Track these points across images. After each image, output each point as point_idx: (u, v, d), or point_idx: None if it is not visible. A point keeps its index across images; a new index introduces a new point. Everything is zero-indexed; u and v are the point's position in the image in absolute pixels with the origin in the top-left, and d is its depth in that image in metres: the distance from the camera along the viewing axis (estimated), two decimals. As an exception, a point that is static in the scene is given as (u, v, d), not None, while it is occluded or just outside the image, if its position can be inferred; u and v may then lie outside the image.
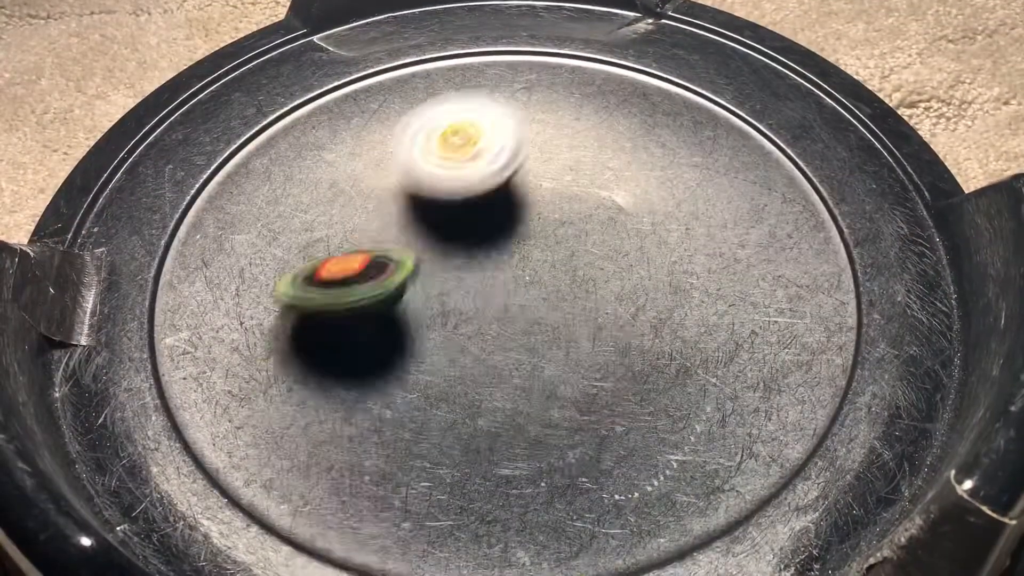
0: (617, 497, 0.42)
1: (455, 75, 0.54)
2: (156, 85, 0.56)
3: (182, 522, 0.41)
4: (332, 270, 0.44)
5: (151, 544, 0.41)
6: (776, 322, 0.46)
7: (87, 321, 0.46)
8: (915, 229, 0.48)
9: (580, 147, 0.51)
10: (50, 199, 0.51)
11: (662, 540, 0.41)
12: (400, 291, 0.44)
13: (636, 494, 0.42)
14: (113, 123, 0.54)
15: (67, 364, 0.45)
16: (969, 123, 0.58)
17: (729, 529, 0.41)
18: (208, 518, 0.41)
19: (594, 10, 0.57)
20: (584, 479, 0.42)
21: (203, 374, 0.45)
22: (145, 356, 0.45)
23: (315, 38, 0.56)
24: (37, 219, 0.51)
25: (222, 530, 0.41)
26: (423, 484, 0.42)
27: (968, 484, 0.35)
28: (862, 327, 0.45)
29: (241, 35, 0.59)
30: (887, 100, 0.55)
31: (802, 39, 0.58)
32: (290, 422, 0.44)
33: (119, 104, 0.59)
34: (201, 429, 0.44)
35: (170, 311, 0.47)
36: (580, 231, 0.48)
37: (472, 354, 0.45)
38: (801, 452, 0.42)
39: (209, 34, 0.62)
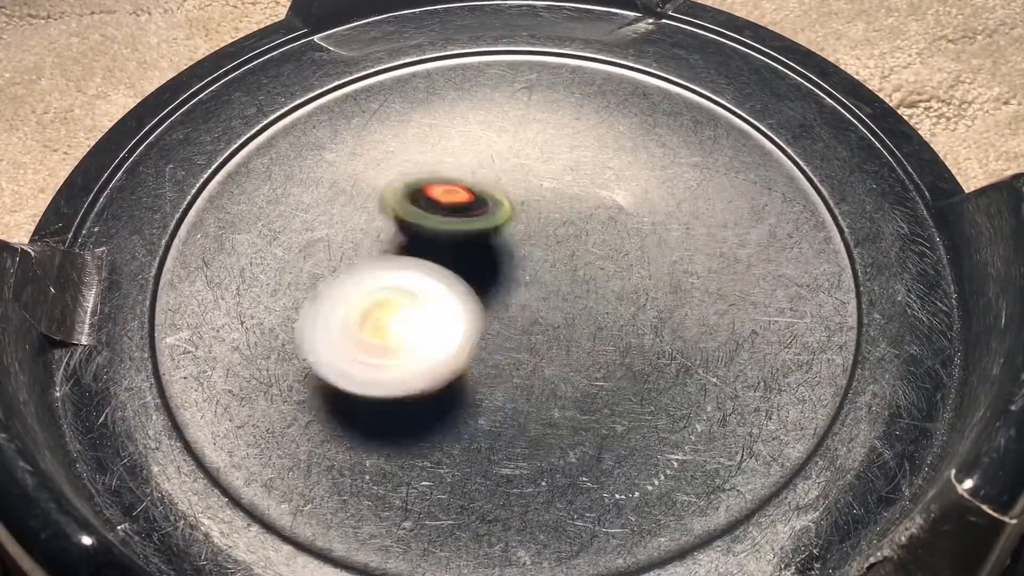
0: (618, 496, 0.42)
1: (455, 75, 0.54)
2: (156, 85, 0.56)
3: (183, 521, 0.41)
4: (442, 195, 0.45)
5: (152, 543, 0.41)
6: (776, 321, 0.46)
7: (88, 320, 0.46)
8: (915, 228, 0.48)
9: (580, 147, 0.51)
10: (50, 199, 0.52)
11: (663, 539, 0.41)
12: (502, 229, 0.46)
13: (636, 493, 0.42)
14: (113, 123, 0.54)
15: (68, 363, 0.45)
16: (969, 123, 0.58)
17: (730, 528, 0.41)
18: (209, 517, 0.41)
19: (594, 10, 0.57)
20: (585, 478, 0.42)
21: (204, 373, 0.45)
22: (146, 355, 0.45)
23: (316, 38, 0.56)
24: (37, 219, 0.51)
25: (223, 529, 0.41)
26: (424, 483, 0.42)
27: (968, 483, 0.35)
28: (862, 326, 0.45)
29: (241, 35, 0.59)
30: (887, 100, 0.55)
31: (802, 39, 0.58)
32: (291, 421, 0.44)
33: (119, 104, 0.59)
34: (202, 428, 0.44)
35: (171, 310, 0.47)
36: (580, 231, 0.48)
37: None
38: (801, 451, 0.42)
39: (209, 34, 0.62)
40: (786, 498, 0.41)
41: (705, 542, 0.41)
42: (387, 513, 0.41)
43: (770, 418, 0.43)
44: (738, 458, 0.42)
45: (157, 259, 0.48)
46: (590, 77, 0.54)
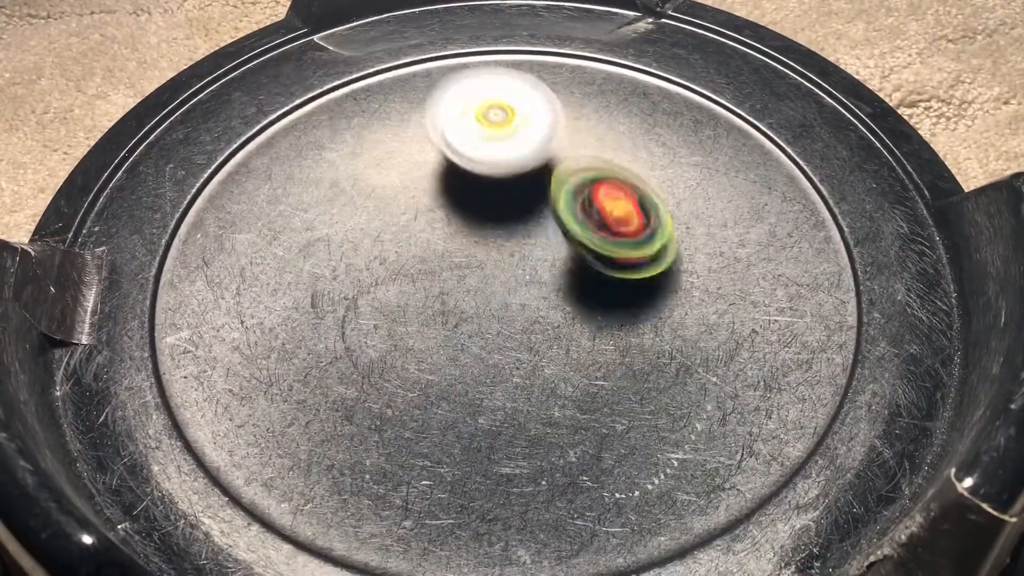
0: (618, 495, 0.42)
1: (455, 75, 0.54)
2: (156, 85, 0.56)
3: (183, 520, 0.41)
4: (616, 218, 0.45)
5: (152, 542, 0.41)
6: (776, 321, 0.46)
7: (88, 320, 0.46)
8: (915, 228, 0.48)
9: (580, 146, 0.51)
10: (50, 198, 0.52)
11: (663, 538, 0.41)
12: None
13: (636, 492, 0.42)
14: (113, 123, 0.54)
15: (68, 363, 0.45)
16: (969, 123, 0.58)
17: (730, 527, 0.41)
18: (209, 516, 0.41)
19: (594, 9, 0.57)
20: (585, 477, 0.42)
21: (204, 373, 0.45)
22: (146, 355, 0.45)
23: (315, 37, 0.56)
24: (37, 218, 0.51)
25: (223, 528, 0.41)
26: (424, 483, 0.42)
27: (968, 482, 0.35)
28: (862, 326, 0.45)
29: (241, 35, 0.59)
30: (887, 100, 0.55)
31: (802, 39, 0.58)
32: (291, 421, 0.44)
33: (119, 104, 0.59)
34: (202, 428, 0.44)
35: (171, 310, 0.47)
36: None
37: (472, 353, 0.45)
38: (801, 450, 0.42)
39: (209, 34, 0.62)
40: (786, 497, 0.41)
41: (705, 541, 0.41)
42: (387, 512, 0.41)
43: (770, 417, 0.43)
44: (738, 457, 0.42)
45: (157, 259, 0.48)
46: (590, 77, 0.54)
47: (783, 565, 0.40)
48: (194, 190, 0.50)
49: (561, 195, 0.46)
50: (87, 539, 0.35)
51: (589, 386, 0.44)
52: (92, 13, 0.64)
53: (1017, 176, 0.44)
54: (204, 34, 0.62)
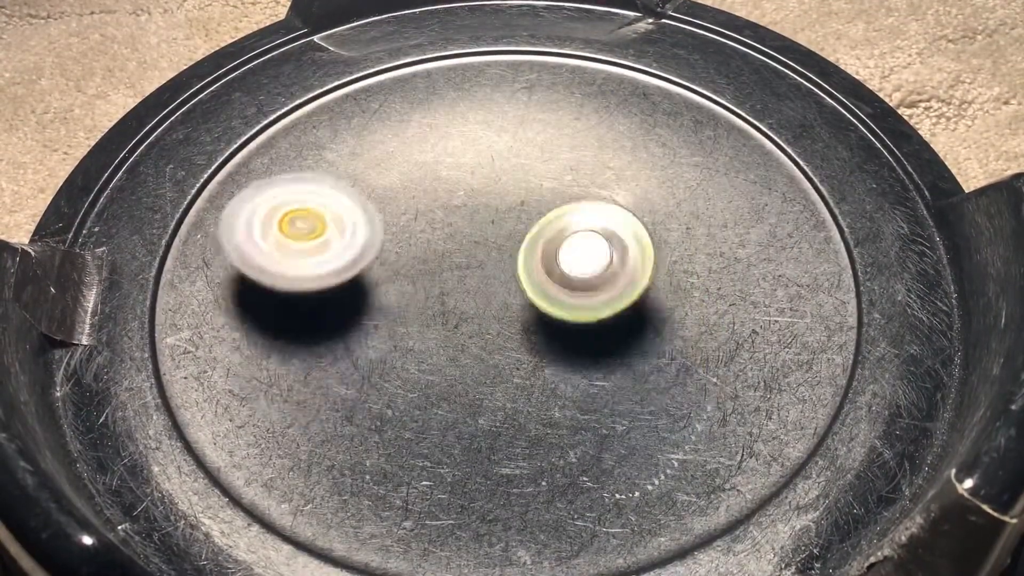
0: (618, 496, 0.42)
1: (455, 75, 0.54)
2: (156, 85, 0.56)
3: (183, 521, 0.41)
4: (575, 264, 0.44)
5: (152, 543, 0.41)
6: (777, 321, 0.46)
7: (88, 320, 0.46)
8: (915, 228, 0.48)
9: (580, 147, 0.51)
10: (50, 199, 0.52)
11: (663, 539, 0.41)
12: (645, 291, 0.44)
13: (637, 493, 0.42)
14: (113, 123, 0.54)
15: (68, 363, 0.45)
16: (969, 123, 0.58)
17: (730, 528, 0.41)
18: (209, 517, 0.41)
19: (594, 10, 0.57)
20: (585, 478, 0.42)
21: (204, 373, 0.45)
22: (146, 355, 0.45)
23: (316, 38, 0.56)
24: (37, 219, 0.51)
25: (223, 529, 0.41)
26: (424, 483, 0.42)
27: (969, 483, 0.35)
28: (862, 326, 0.45)
29: (241, 35, 0.59)
30: (887, 100, 0.55)
31: (802, 39, 0.58)
32: (291, 421, 0.44)
33: (119, 104, 0.59)
34: (202, 428, 0.44)
35: (171, 310, 0.47)
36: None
37: (473, 353, 0.45)
38: (802, 451, 0.43)
39: (209, 34, 0.62)
40: (786, 498, 0.41)
41: (705, 542, 0.41)
42: (387, 513, 0.42)
43: (770, 418, 0.43)
44: (738, 458, 0.42)
45: (157, 259, 0.48)
46: (590, 77, 0.54)
47: (783, 566, 0.40)
48: (194, 190, 0.50)
49: (523, 250, 0.45)
50: (87, 540, 0.35)
51: (589, 387, 0.44)
52: (92, 13, 0.64)
53: (1018, 177, 0.44)
54: (204, 34, 0.62)
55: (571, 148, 0.51)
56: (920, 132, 0.53)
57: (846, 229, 0.48)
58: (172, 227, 0.49)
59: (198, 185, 0.50)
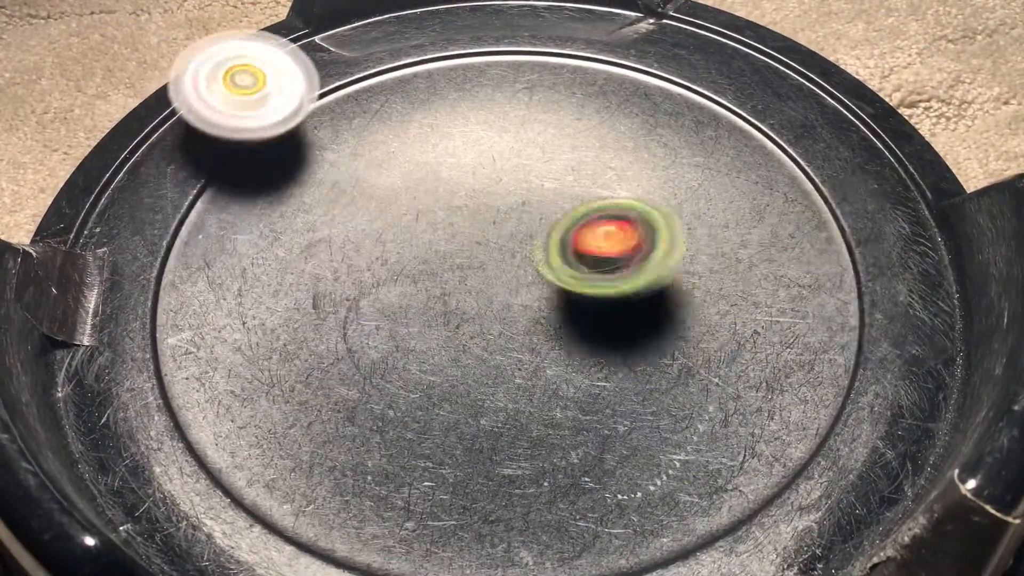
0: (620, 497, 0.42)
1: (456, 75, 0.54)
2: (156, 85, 0.56)
3: (185, 522, 0.41)
4: (598, 245, 0.44)
5: (154, 544, 0.41)
6: (778, 322, 0.46)
7: (89, 321, 0.46)
8: (917, 229, 0.48)
9: (582, 147, 0.51)
10: (50, 199, 0.51)
11: (665, 540, 0.41)
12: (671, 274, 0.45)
13: (639, 494, 0.42)
14: (113, 123, 0.54)
15: (70, 364, 0.45)
16: (969, 123, 0.58)
17: (732, 529, 0.41)
18: (211, 518, 0.41)
19: (596, 10, 0.57)
20: (587, 479, 0.42)
21: (205, 374, 0.45)
22: (147, 356, 0.45)
23: (317, 38, 0.56)
24: (37, 219, 0.51)
25: (225, 530, 0.41)
26: (426, 484, 0.42)
27: (971, 483, 0.35)
28: (864, 327, 0.45)
29: (242, 35, 0.59)
30: (887, 100, 0.55)
31: (802, 39, 0.58)
32: (293, 422, 0.44)
33: (119, 104, 0.59)
34: (204, 429, 0.44)
35: (172, 311, 0.47)
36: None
37: (474, 354, 0.45)
38: (804, 452, 0.43)
39: (209, 34, 0.62)
40: (789, 498, 0.41)
41: (708, 542, 0.41)
42: (389, 514, 0.41)
43: (772, 418, 0.43)
44: (740, 458, 0.42)
45: (159, 260, 0.48)
46: (591, 77, 0.54)
47: (786, 566, 0.40)
48: (195, 191, 0.50)
49: (550, 240, 0.46)
50: (89, 541, 0.35)
51: (591, 387, 0.44)
52: (92, 13, 0.63)
53: (1019, 177, 0.44)
54: (204, 34, 0.62)
55: (572, 148, 0.51)
56: (920, 132, 0.53)
57: (848, 229, 0.48)
58: (173, 228, 0.49)
59: (199, 185, 0.50)
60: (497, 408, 0.44)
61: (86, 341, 0.46)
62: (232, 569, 0.40)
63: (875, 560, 0.37)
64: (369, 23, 0.57)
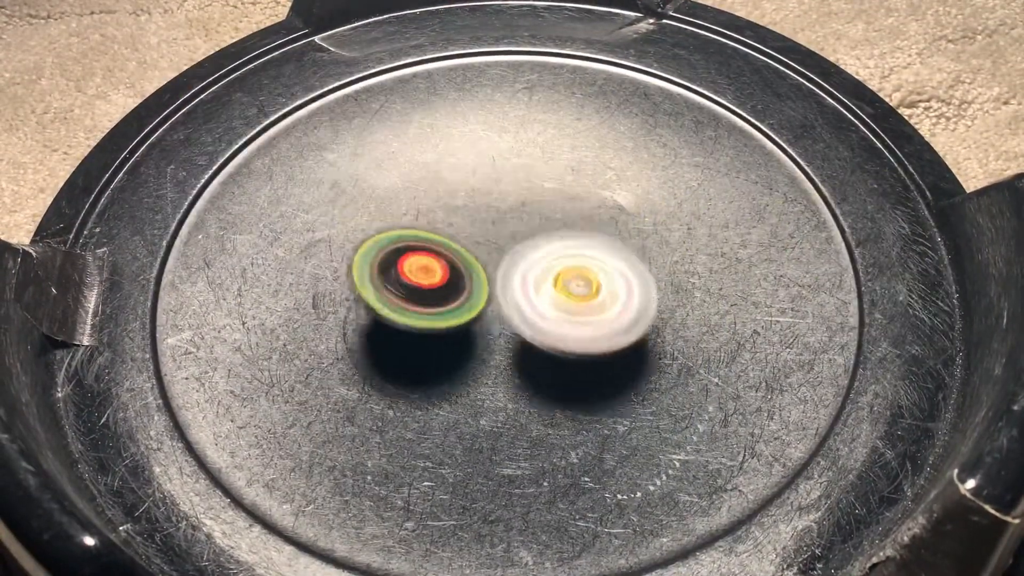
0: (620, 497, 0.42)
1: (456, 75, 0.54)
2: (156, 85, 0.56)
3: (185, 522, 0.41)
4: (415, 277, 0.43)
5: (154, 544, 0.41)
6: (778, 322, 0.46)
7: (89, 321, 0.46)
8: (917, 229, 0.48)
9: (581, 147, 0.51)
10: (50, 199, 0.52)
11: (665, 539, 0.41)
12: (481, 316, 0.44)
13: (638, 493, 0.42)
14: (113, 123, 0.54)
15: (69, 364, 0.45)
16: (969, 123, 0.58)
17: (732, 528, 0.41)
18: (211, 518, 0.41)
19: (595, 10, 0.57)
20: (586, 479, 0.42)
21: (205, 374, 0.45)
22: (147, 356, 0.45)
23: (316, 38, 0.56)
24: (37, 219, 0.51)
25: (225, 530, 0.41)
26: (425, 484, 0.42)
27: (971, 483, 0.35)
28: (864, 327, 0.45)
29: (242, 35, 0.59)
30: (887, 100, 0.55)
31: (802, 39, 0.58)
32: (292, 422, 0.44)
33: (119, 104, 0.59)
34: (203, 429, 0.44)
35: (172, 311, 0.47)
36: (582, 231, 0.48)
37: (474, 354, 0.45)
38: (803, 451, 0.43)
39: (209, 34, 0.62)
40: (788, 498, 0.41)
41: (707, 542, 0.41)
42: (389, 514, 0.41)
43: (772, 418, 0.43)
44: (740, 458, 0.42)
45: (158, 260, 0.48)
46: (591, 77, 0.54)
47: (785, 566, 0.40)
48: (195, 191, 0.50)
49: (357, 263, 0.44)
50: (89, 540, 0.35)
51: (591, 387, 0.44)
52: (92, 13, 0.63)
53: (1019, 177, 0.44)
54: (204, 34, 0.62)
55: (572, 148, 0.51)
56: (920, 132, 0.53)
57: (847, 229, 0.48)
58: (173, 228, 0.49)
59: (199, 185, 0.50)
60: (497, 408, 0.44)
61: (86, 341, 0.46)
62: (232, 569, 0.40)
63: (874, 560, 0.37)
64: (369, 23, 0.57)
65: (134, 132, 0.53)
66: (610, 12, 0.57)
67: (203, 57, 0.57)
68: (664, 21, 0.56)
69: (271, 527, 0.41)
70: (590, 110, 0.53)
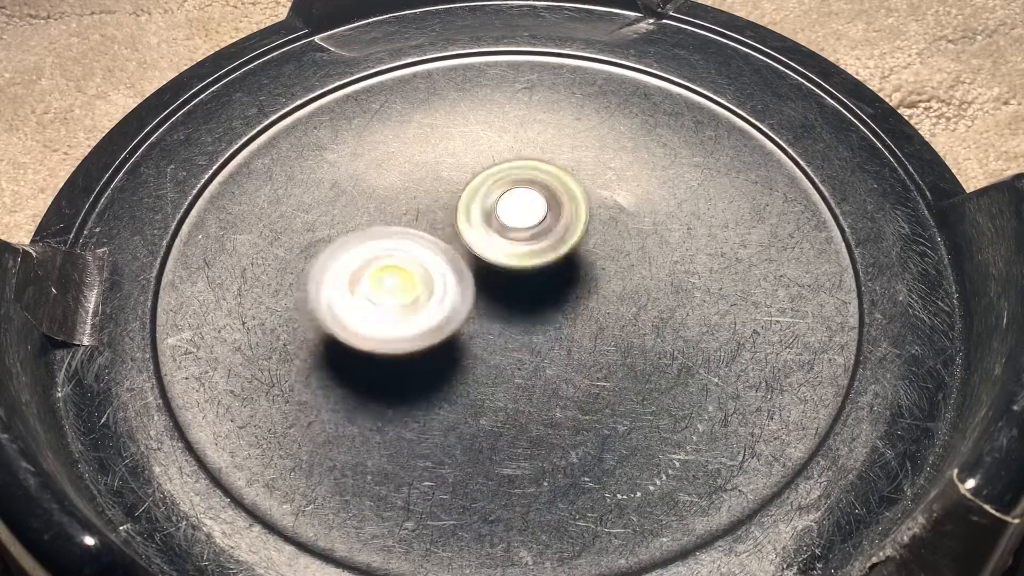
0: (619, 496, 0.42)
1: (456, 75, 0.54)
2: (156, 85, 0.56)
3: (185, 522, 0.41)
4: (513, 215, 0.45)
5: (154, 543, 0.41)
6: (778, 321, 0.46)
7: (89, 321, 0.46)
8: (917, 229, 0.48)
9: (581, 147, 0.51)
10: (50, 199, 0.52)
11: (664, 539, 0.41)
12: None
13: (638, 493, 0.42)
14: (113, 123, 0.54)
15: (69, 364, 0.45)
16: (969, 123, 0.58)
17: (731, 528, 0.41)
18: (211, 518, 0.41)
19: (595, 10, 0.57)
20: (586, 478, 0.42)
21: (205, 374, 0.45)
22: (147, 356, 0.45)
23: (316, 38, 0.56)
24: (37, 219, 0.51)
25: (225, 530, 0.41)
26: (425, 484, 0.42)
27: (971, 483, 0.35)
28: (864, 326, 0.45)
29: (242, 35, 0.59)
30: (887, 100, 0.55)
31: (802, 39, 0.58)
32: (292, 422, 0.44)
33: (119, 104, 0.59)
34: (203, 429, 0.44)
35: (172, 311, 0.47)
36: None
37: (474, 354, 0.45)
38: (803, 451, 0.43)
39: (209, 34, 0.62)
40: (788, 498, 0.41)
41: (707, 542, 0.41)
42: (389, 513, 0.42)
43: (772, 418, 0.43)
44: (740, 458, 0.42)
45: (158, 260, 0.48)
46: (591, 77, 0.54)
47: (785, 566, 0.40)
48: (195, 191, 0.50)
49: (462, 207, 0.45)
50: (89, 540, 0.35)
51: (591, 387, 0.44)
52: (92, 13, 0.63)
53: (1019, 177, 0.44)
54: (204, 34, 0.62)
55: (572, 148, 0.51)
56: (920, 132, 0.53)
57: (847, 229, 0.48)
58: (173, 228, 0.49)
59: (199, 185, 0.50)
60: (497, 408, 0.44)
61: (86, 341, 0.46)
62: (232, 569, 0.40)
63: (874, 560, 0.37)
64: (369, 23, 0.57)
65: (134, 132, 0.53)
66: (610, 12, 0.57)
67: (203, 57, 0.57)
68: (664, 21, 0.56)
69: (271, 527, 0.41)
70: (590, 110, 0.53)
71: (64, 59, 0.61)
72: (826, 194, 0.49)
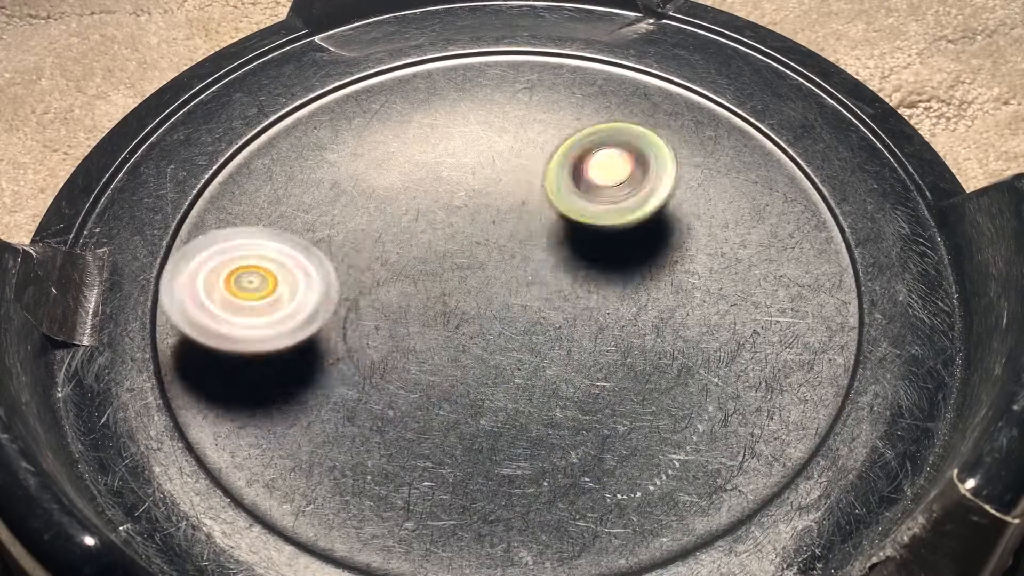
0: (619, 496, 0.42)
1: (456, 75, 0.54)
2: (156, 85, 0.56)
3: (185, 522, 0.41)
4: (600, 174, 0.46)
5: (154, 544, 0.41)
6: (778, 322, 0.46)
7: (89, 321, 0.46)
8: (916, 229, 0.48)
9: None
10: (50, 199, 0.52)
11: (664, 539, 0.41)
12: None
13: (638, 493, 0.42)
14: (113, 123, 0.54)
15: (69, 364, 0.45)
16: (969, 123, 0.58)
17: (731, 528, 0.41)
18: (211, 518, 0.41)
19: (595, 10, 0.57)
20: (586, 478, 0.42)
21: (205, 374, 0.45)
22: (147, 356, 0.45)
23: (316, 38, 0.56)
24: (37, 219, 0.51)
25: (225, 530, 0.41)
26: (425, 484, 0.42)
27: (971, 483, 0.35)
28: (864, 327, 0.45)
29: (242, 35, 0.59)
30: (887, 100, 0.55)
31: (802, 39, 0.58)
32: (292, 422, 0.44)
33: (119, 104, 0.59)
34: (203, 429, 0.44)
35: (172, 311, 0.47)
36: (581, 231, 0.48)
37: (474, 354, 0.45)
38: (803, 451, 0.43)
39: (209, 34, 0.62)
40: (788, 498, 0.41)
41: (707, 542, 0.41)
42: (389, 514, 0.42)
43: (772, 418, 0.43)
44: (740, 458, 0.42)
45: (159, 260, 0.48)
46: (591, 77, 0.54)
47: (785, 566, 0.40)
48: (195, 191, 0.50)
49: (553, 167, 0.47)
50: (89, 540, 0.35)
51: (591, 387, 0.44)
52: (92, 13, 0.63)
53: (1018, 177, 0.44)
54: (204, 34, 0.62)
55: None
56: (920, 132, 0.53)
57: (847, 229, 0.48)
58: (173, 228, 0.49)
59: (199, 186, 0.50)
60: (497, 408, 0.44)
61: (86, 341, 0.46)
62: (232, 569, 0.40)
63: (874, 560, 0.37)
64: (369, 23, 0.57)
65: (134, 132, 0.53)
66: (610, 12, 0.57)
67: (203, 57, 0.57)
68: (664, 21, 0.56)
69: (271, 527, 0.41)
70: (590, 110, 0.53)
71: (64, 59, 0.61)
72: (826, 194, 0.49)
